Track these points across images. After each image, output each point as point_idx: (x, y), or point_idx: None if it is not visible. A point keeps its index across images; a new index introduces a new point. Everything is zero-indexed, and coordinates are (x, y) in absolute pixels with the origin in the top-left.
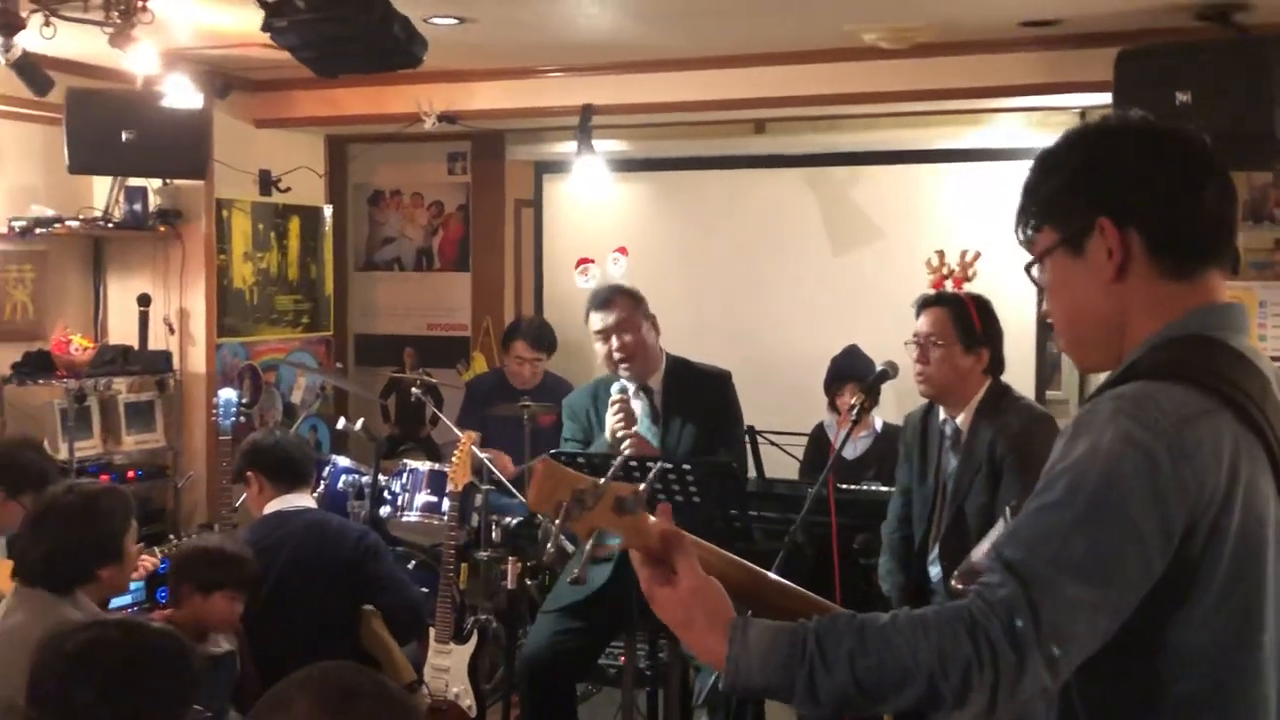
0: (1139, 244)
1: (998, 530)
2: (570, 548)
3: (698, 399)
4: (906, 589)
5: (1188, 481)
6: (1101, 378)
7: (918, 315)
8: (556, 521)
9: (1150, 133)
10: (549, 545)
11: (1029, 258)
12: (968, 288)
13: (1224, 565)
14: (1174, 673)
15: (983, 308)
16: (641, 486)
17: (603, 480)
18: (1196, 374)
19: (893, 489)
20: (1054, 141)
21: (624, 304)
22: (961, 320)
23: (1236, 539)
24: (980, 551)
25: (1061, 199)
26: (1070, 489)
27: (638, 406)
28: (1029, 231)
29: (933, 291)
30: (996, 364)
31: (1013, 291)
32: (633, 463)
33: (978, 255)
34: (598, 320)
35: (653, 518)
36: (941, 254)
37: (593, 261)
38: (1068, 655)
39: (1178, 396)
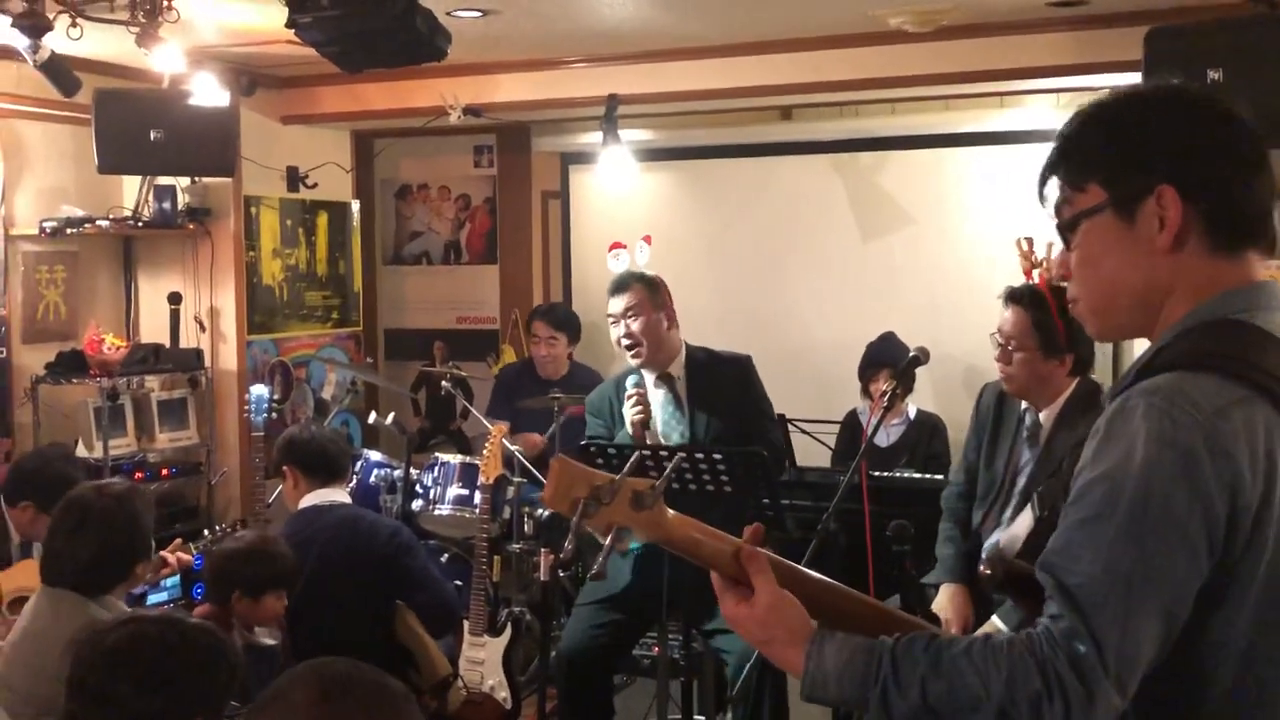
0: (1196, 216)
1: (1026, 517)
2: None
3: (721, 385)
4: (970, 555)
5: (1225, 473)
6: (1134, 353)
7: (1004, 308)
8: (574, 519)
9: (1215, 104)
10: (566, 543)
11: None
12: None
13: (1266, 557)
14: (1218, 667)
15: (1067, 308)
16: (659, 481)
17: (619, 476)
18: (1227, 362)
19: (926, 475)
20: (1106, 96)
21: (638, 290)
22: (1042, 325)
23: (1277, 530)
24: (1008, 535)
25: (1117, 158)
26: (1109, 498)
27: (659, 395)
28: (1067, 188)
29: (1020, 284)
30: (1082, 365)
31: None
32: (663, 453)
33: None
34: (611, 304)
35: (671, 511)
36: (1030, 240)
37: (624, 246)
38: (1135, 672)
39: (1209, 387)
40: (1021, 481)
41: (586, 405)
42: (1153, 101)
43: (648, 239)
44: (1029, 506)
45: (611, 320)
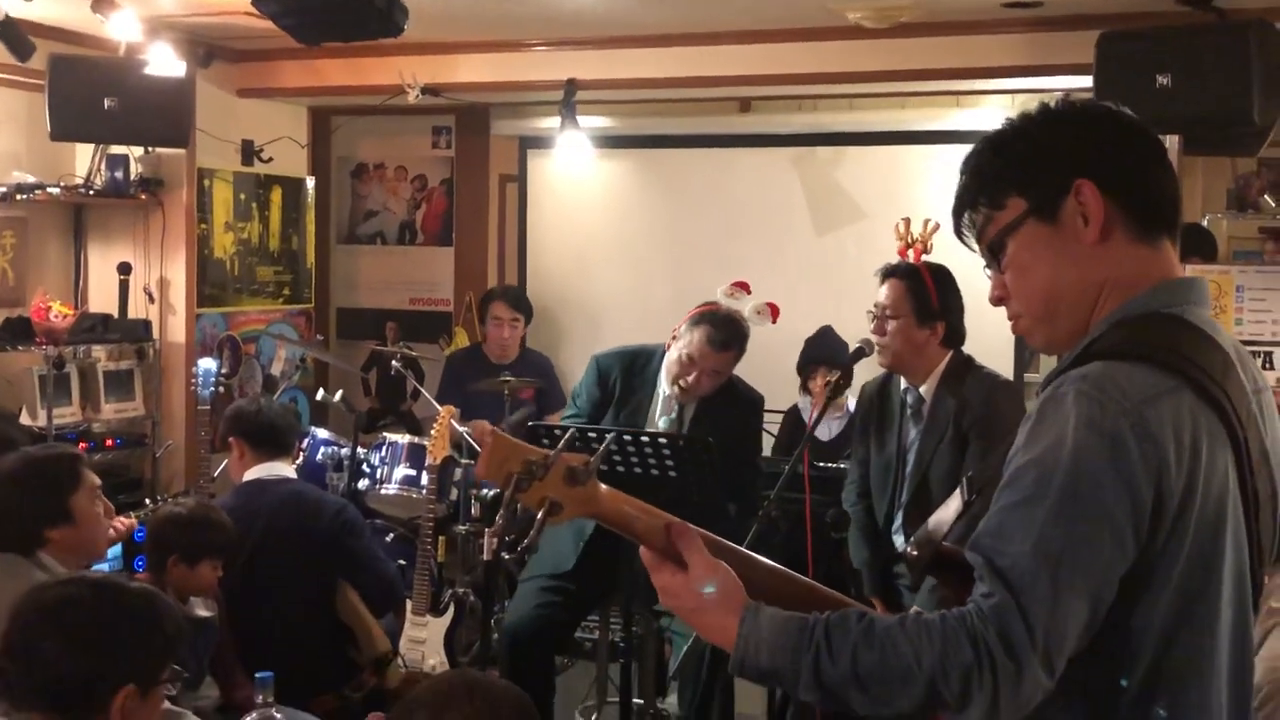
0: (1115, 206)
1: (955, 501)
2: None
3: (728, 418)
4: (875, 563)
5: (1152, 459)
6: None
7: (880, 285)
8: (507, 492)
9: (1110, 108)
10: (498, 517)
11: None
12: (928, 258)
13: (1186, 546)
14: (1139, 649)
15: (941, 280)
16: (592, 458)
17: (553, 451)
18: (1157, 353)
19: None
20: (1001, 126)
21: (731, 358)
22: (917, 293)
23: (1198, 520)
24: (935, 519)
25: (1029, 166)
26: (1040, 482)
27: (672, 406)
28: (987, 209)
29: (894, 262)
30: (953, 336)
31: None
32: (591, 434)
33: (937, 226)
34: (702, 351)
35: (604, 486)
36: (907, 221)
37: (749, 291)
38: (1062, 652)
39: (1139, 376)
40: (912, 458)
41: (591, 362)
42: (1051, 115)
43: (775, 311)
44: (958, 490)
45: (689, 359)
